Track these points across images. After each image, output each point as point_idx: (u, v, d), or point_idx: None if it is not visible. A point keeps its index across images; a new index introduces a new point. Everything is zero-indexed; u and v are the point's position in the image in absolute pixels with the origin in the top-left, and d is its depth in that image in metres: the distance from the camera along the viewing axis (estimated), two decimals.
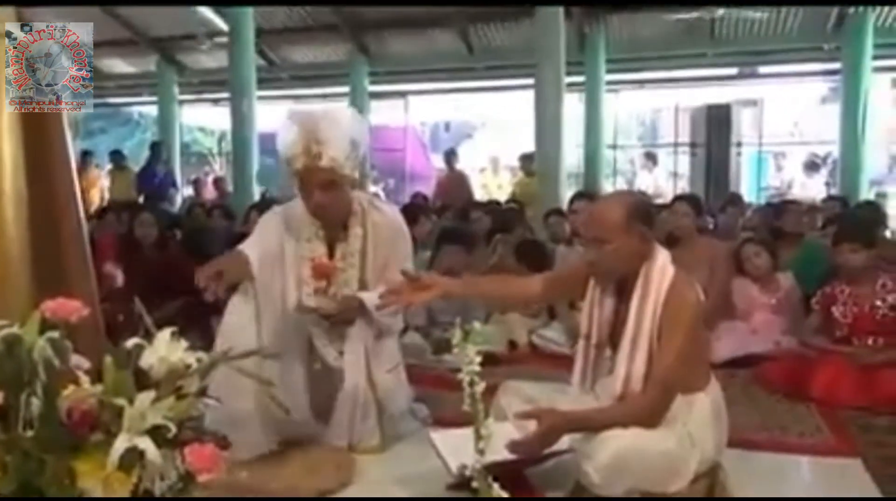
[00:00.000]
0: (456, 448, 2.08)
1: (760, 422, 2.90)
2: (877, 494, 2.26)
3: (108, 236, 5.16)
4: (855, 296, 3.36)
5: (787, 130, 13.43)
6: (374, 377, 2.56)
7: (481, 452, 1.79)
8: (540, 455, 2.12)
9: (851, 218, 5.22)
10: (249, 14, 8.83)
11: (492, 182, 10.42)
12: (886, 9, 8.92)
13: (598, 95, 10.17)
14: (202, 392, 1.39)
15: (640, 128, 16.28)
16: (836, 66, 9.57)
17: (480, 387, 1.79)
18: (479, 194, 9.55)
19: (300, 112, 2.44)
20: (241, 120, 8.76)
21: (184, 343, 1.37)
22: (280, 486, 2.22)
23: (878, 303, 3.31)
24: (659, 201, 6.82)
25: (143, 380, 1.32)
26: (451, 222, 6.07)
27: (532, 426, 2.00)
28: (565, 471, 2.15)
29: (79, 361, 1.39)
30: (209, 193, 10.95)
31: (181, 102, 12.58)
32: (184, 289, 4.45)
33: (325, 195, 2.43)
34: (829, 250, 3.69)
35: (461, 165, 10.09)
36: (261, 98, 9.29)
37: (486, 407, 1.84)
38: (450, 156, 9.78)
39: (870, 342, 3.32)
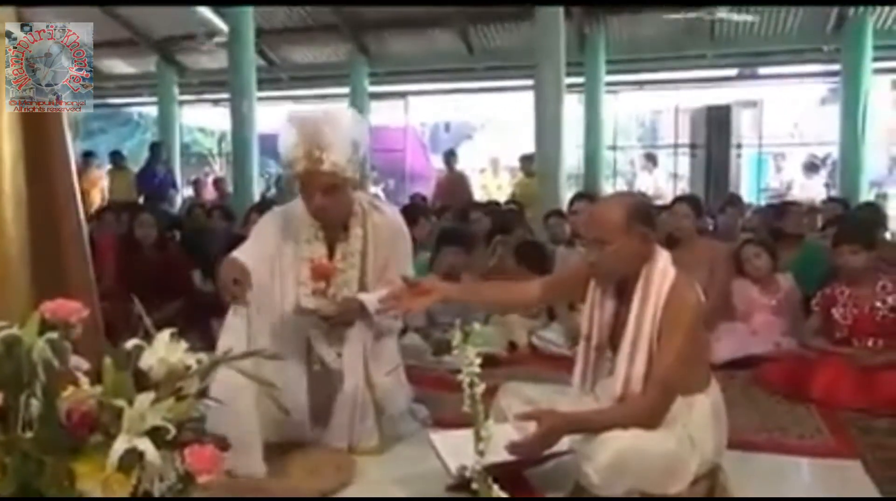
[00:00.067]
0: (456, 449, 2.08)
1: (760, 424, 2.90)
2: (877, 496, 2.26)
3: (107, 236, 5.16)
4: (855, 298, 3.36)
5: (787, 131, 13.44)
6: (372, 378, 2.56)
7: (481, 453, 1.79)
8: (540, 457, 2.12)
9: (851, 219, 5.22)
10: (249, 14, 8.82)
11: (491, 183, 10.41)
12: (886, 10, 8.93)
13: (597, 96, 10.17)
14: (202, 394, 1.39)
15: (639, 129, 16.29)
16: (835, 67, 9.57)
17: (480, 388, 1.79)
18: (479, 195, 9.54)
19: (301, 115, 2.42)
20: (240, 121, 8.75)
21: (183, 344, 1.37)
22: (280, 487, 2.22)
23: (878, 305, 3.31)
24: (659, 202, 6.82)
25: (142, 381, 1.32)
26: (450, 223, 6.06)
27: (532, 427, 2.00)
28: (565, 472, 2.15)
29: (78, 362, 1.39)
30: (209, 193, 10.95)
31: (181, 103, 12.58)
32: (183, 290, 4.50)
33: (327, 198, 2.42)
34: (829, 252, 3.69)
35: (461, 165, 10.09)
36: (261, 99, 9.28)
37: (485, 408, 1.84)
38: (449, 157, 9.78)
39: (870, 343, 3.31)
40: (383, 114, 12.71)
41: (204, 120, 15.40)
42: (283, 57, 11.81)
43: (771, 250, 4.05)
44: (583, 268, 2.31)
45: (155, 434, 1.25)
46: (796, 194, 9.11)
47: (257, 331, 2.33)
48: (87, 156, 10.82)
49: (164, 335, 1.36)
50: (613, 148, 12.23)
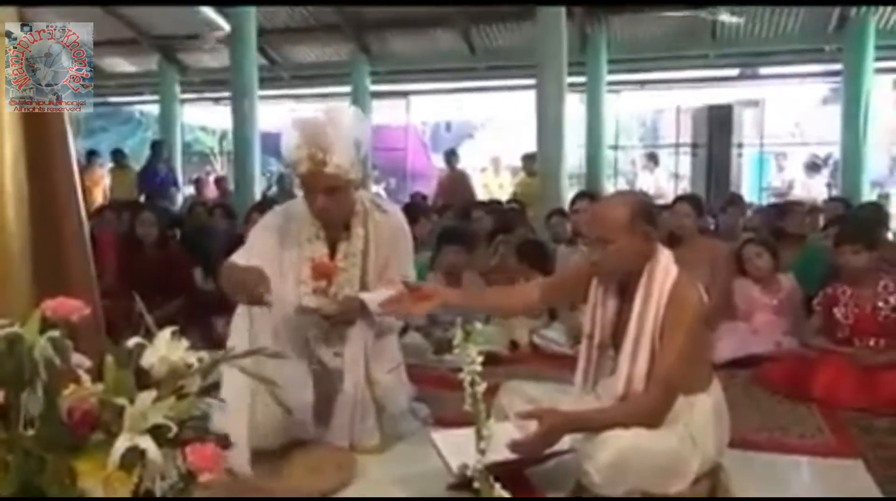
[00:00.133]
0: (457, 448, 2.09)
1: (761, 423, 2.90)
2: (878, 496, 2.26)
3: (108, 235, 5.16)
4: (856, 297, 3.36)
5: (789, 130, 13.44)
6: (373, 376, 2.56)
7: (482, 452, 1.79)
8: (541, 455, 2.12)
9: (853, 219, 5.21)
10: (252, 13, 8.81)
11: (493, 182, 10.41)
12: (888, 10, 8.92)
13: (599, 96, 10.16)
14: (205, 392, 1.38)
15: (641, 128, 16.29)
16: (837, 67, 9.55)
17: (481, 387, 1.80)
18: (481, 194, 9.54)
19: (303, 117, 2.40)
20: (242, 119, 8.75)
21: (184, 342, 1.37)
22: (281, 486, 2.22)
23: (880, 304, 3.31)
24: (660, 201, 6.81)
25: (143, 379, 1.32)
26: (451, 222, 6.06)
27: (533, 426, 2.00)
28: (566, 471, 2.15)
29: (79, 360, 1.39)
30: (210, 192, 10.95)
31: (183, 101, 12.56)
32: (184, 288, 4.50)
33: (330, 199, 2.42)
34: (831, 252, 3.69)
35: (462, 164, 10.09)
36: (262, 97, 9.27)
37: (487, 407, 1.84)
38: (450, 156, 9.78)
39: (871, 343, 3.32)
40: (385, 113, 12.69)
41: (205, 119, 15.40)
42: (285, 56, 11.81)
43: (772, 249, 4.05)
44: (584, 268, 2.31)
45: (156, 433, 1.25)
46: (798, 193, 9.10)
47: (259, 330, 2.33)
48: (91, 155, 10.83)
49: (166, 334, 1.36)
50: (615, 147, 12.22)
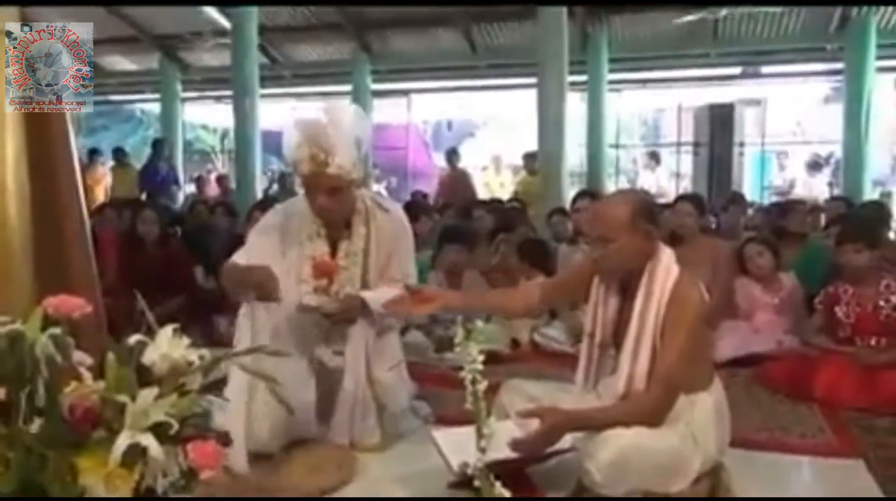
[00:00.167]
0: (458, 447, 2.09)
1: (762, 422, 2.90)
2: (879, 495, 2.25)
3: (110, 233, 5.17)
4: (858, 296, 3.36)
5: (790, 129, 13.42)
6: (374, 374, 2.56)
7: (483, 450, 1.80)
8: (542, 454, 2.12)
9: (855, 218, 5.21)
10: (253, 12, 8.82)
11: (494, 181, 10.41)
12: (889, 10, 8.91)
13: (600, 95, 10.15)
14: (211, 389, 1.39)
15: (642, 127, 16.26)
16: (839, 66, 9.55)
17: (482, 385, 1.80)
18: (482, 193, 9.54)
19: (305, 118, 2.40)
20: (243, 118, 8.75)
21: (185, 340, 1.37)
22: (282, 484, 2.23)
23: (882, 303, 3.31)
24: (662, 200, 6.80)
25: (145, 377, 1.32)
26: (453, 221, 6.07)
27: (534, 424, 2.00)
28: (567, 470, 2.15)
29: (81, 357, 1.39)
30: (212, 190, 10.95)
31: (184, 100, 12.56)
32: (185, 286, 4.51)
33: (331, 199, 2.43)
34: (832, 251, 3.69)
35: (463, 163, 10.08)
36: (264, 96, 9.28)
37: (488, 406, 1.85)
38: (452, 154, 9.78)
39: (873, 342, 3.31)
40: (386, 111, 12.69)
41: (207, 117, 15.41)
42: (286, 54, 11.81)
43: (774, 248, 4.05)
44: (584, 268, 2.31)
45: (158, 430, 1.25)
46: (799, 192, 9.09)
47: (261, 328, 2.33)
48: (92, 153, 10.83)
49: (167, 331, 1.36)
50: (616, 146, 12.21)
